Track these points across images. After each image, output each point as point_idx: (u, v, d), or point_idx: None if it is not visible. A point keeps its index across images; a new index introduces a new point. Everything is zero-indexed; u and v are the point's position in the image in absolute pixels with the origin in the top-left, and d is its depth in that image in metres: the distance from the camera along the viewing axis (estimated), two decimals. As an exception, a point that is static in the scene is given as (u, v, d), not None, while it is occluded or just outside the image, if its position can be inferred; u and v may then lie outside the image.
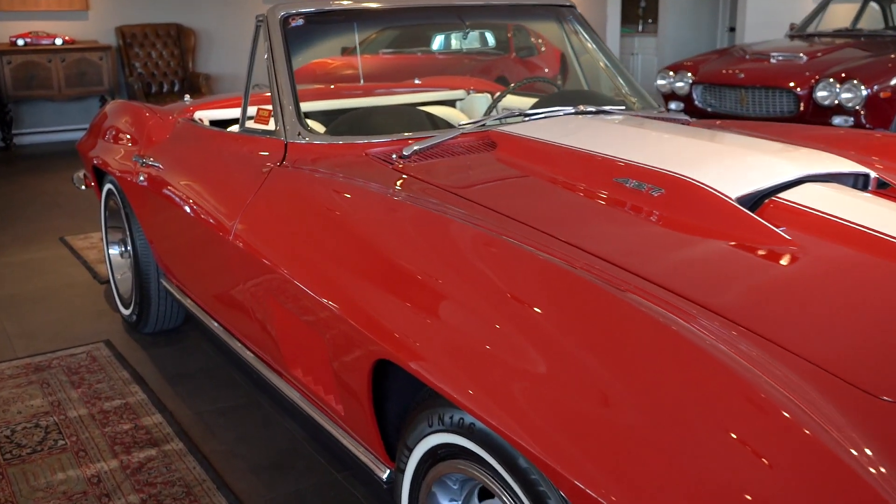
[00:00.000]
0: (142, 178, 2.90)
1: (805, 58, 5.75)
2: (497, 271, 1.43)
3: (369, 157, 2.16)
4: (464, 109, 3.64)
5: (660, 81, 6.37)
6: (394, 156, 2.14)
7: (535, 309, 1.31)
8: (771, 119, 5.66)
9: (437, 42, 3.02)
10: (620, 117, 2.45)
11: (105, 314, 3.64)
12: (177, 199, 2.62)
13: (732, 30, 10.52)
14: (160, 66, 8.57)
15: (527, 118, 2.38)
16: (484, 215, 1.70)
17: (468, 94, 3.69)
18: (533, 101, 3.17)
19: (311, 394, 1.96)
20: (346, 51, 7.16)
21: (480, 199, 1.80)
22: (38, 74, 7.87)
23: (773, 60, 5.88)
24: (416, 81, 3.99)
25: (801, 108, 5.47)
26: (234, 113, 3.26)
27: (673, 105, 6.25)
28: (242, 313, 2.23)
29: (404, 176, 2.01)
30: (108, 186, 3.40)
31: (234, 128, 3.01)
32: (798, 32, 6.90)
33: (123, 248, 3.46)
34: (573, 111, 2.43)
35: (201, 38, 8.90)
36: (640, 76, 10.70)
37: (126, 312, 3.41)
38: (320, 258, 1.76)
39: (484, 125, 2.33)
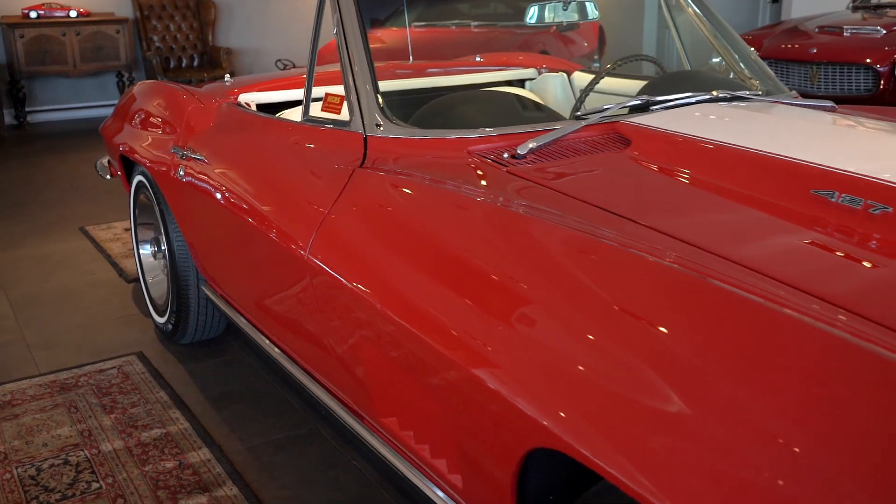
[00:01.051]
0: (182, 173, 2.50)
1: (883, 31, 5.28)
2: (687, 321, 1.04)
3: (474, 157, 1.76)
4: (535, 90, 3.22)
5: (718, 58, 5.91)
6: (505, 155, 1.74)
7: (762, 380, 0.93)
8: (846, 98, 5.21)
9: (531, 13, 2.59)
10: (765, 105, 2.04)
11: (135, 320, 3.26)
12: (227, 200, 2.23)
13: (775, 0, 9.99)
14: (179, 39, 8.13)
15: (654, 107, 1.97)
16: (649, 239, 1.30)
17: (539, 73, 3.27)
18: (624, 83, 2.75)
19: (412, 453, 1.57)
20: (375, 23, 6.72)
21: (635, 215, 1.39)
22: (52, 49, 7.44)
23: (846, 34, 5.41)
24: (478, 59, 3.57)
25: (882, 86, 5.02)
26: (284, 95, 2.85)
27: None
28: (316, 345, 1.84)
29: (525, 182, 1.60)
30: (138, 178, 3.00)
31: (287, 113, 2.61)
32: (862, 3, 6.41)
33: (157, 249, 3.07)
34: (707, 97, 2.01)
35: (221, 9, 8.45)
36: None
37: (160, 321, 3.03)
38: (441, 298, 1.35)
39: (606, 115, 1.91)
